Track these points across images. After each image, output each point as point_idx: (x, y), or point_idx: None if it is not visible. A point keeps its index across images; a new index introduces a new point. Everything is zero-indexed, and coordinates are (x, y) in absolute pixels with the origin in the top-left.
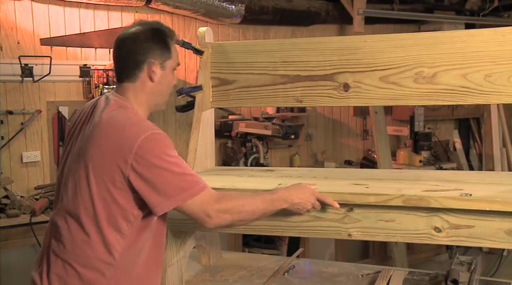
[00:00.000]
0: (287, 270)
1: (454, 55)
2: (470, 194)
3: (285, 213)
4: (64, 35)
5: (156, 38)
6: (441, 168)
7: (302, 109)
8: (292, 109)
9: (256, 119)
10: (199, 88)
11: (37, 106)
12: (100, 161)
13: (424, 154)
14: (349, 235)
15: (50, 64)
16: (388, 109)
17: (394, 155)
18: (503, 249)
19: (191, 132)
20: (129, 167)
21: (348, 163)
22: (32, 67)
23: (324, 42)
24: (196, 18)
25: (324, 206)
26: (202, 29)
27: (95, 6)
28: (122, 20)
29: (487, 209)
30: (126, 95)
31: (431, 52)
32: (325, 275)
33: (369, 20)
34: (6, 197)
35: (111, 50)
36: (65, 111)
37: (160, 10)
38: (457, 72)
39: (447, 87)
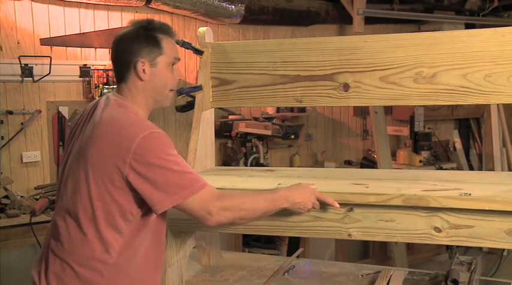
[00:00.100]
0: (287, 270)
1: (454, 55)
2: (470, 194)
3: (285, 213)
4: (64, 35)
5: (144, 36)
6: (441, 168)
7: (302, 109)
8: (292, 109)
9: (256, 119)
10: (199, 88)
11: (37, 106)
12: (99, 160)
13: (424, 154)
14: (349, 235)
15: (50, 64)
16: (388, 109)
17: (394, 155)
18: (503, 249)
19: (191, 132)
20: (128, 166)
21: (348, 163)
22: (32, 67)
23: (323, 42)
24: (196, 18)
25: (324, 206)
26: (202, 29)
27: (95, 6)
28: (121, 20)
29: (487, 208)
30: (124, 95)
31: (431, 52)
32: (325, 275)
33: (369, 20)
34: (6, 197)
35: None
36: (65, 111)
37: (160, 10)
38: (457, 72)
39: (447, 87)
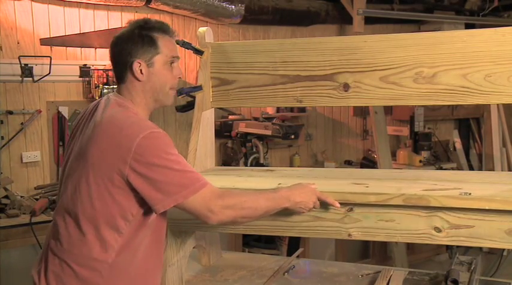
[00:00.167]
0: (287, 270)
1: (454, 55)
2: (470, 193)
3: (285, 213)
4: (64, 35)
5: (139, 37)
6: (441, 168)
7: (302, 109)
8: (292, 109)
9: (256, 119)
10: (199, 88)
11: (37, 106)
12: (100, 160)
13: (424, 154)
14: (349, 235)
15: (50, 64)
16: (388, 109)
17: (394, 155)
18: (503, 249)
19: (191, 132)
20: (128, 166)
21: (348, 163)
22: (32, 67)
23: (323, 42)
24: (196, 18)
25: (324, 205)
26: (202, 29)
27: (95, 6)
28: (121, 20)
29: (486, 207)
30: (124, 95)
31: (431, 52)
32: (325, 275)
33: (369, 20)
34: (6, 197)
35: None
36: (64, 111)
37: (160, 10)
38: (457, 72)
39: (447, 87)
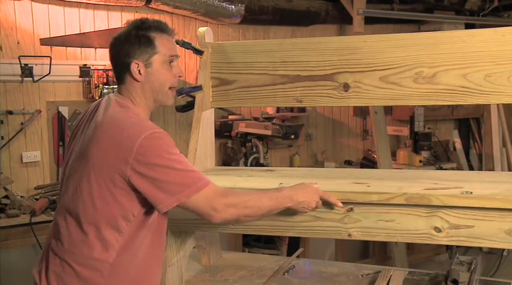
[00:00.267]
0: (287, 270)
1: (454, 55)
2: (471, 192)
3: (285, 212)
4: (64, 35)
5: (136, 37)
6: (441, 168)
7: (302, 109)
8: (292, 109)
9: (256, 119)
10: (199, 88)
11: (37, 106)
12: (101, 160)
13: (424, 154)
14: (349, 235)
15: (50, 64)
16: (388, 109)
17: (394, 155)
18: (503, 249)
19: (191, 132)
20: (130, 167)
21: (348, 163)
22: (32, 67)
23: (323, 42)
24: (196, 18)
25: (325, 205)
26: (202, 29)
27: (95, 6)
28: (121, 20)
29: (488, 206)
30: (124, 96)
31: (431, 52)
32: (325, 275)
33: (369, 20)
34: (6, 197)
35: None
36: (64, 111)
37: (160, 10)
38: (457, 72)
39: (447, 87)
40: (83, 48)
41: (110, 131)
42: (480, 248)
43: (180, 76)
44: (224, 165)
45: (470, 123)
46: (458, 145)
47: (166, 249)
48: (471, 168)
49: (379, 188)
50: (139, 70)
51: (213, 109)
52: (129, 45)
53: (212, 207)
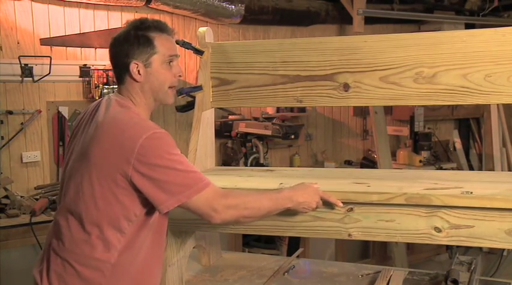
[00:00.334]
0: (287, 270)
1: (454, 55)
2: (471, 192)
3: (285, 213)
4: (64, 35)
5: (135, 37)
6: (441, 168)
7: (302, 109)
8: (292, 109)
9: (256, 119)
10: (199, 88)
11: (37, 106)
12: (102, 160)
13: (424, 154)
14: (349, 235)
15: (50, 64)
16: (388, 109)
17: (394, 155)
18: (503, 249)
19: (191, 132)
20: (132, 167)
21: (348, 163)
22: (32, 67)
23: (324, 42)
24: (196, 18)
25: (326, 205)
26: (202, 29)
27: (95, 6)
28: (121, 20)
29: (488, 206)
30: (124, 96)
31: (431, 52)
32: (325, 275)
33: (369, 20)
34: (6, 197)
35: None
36: (64, 111)
37: (160, 10)
38: (457, 72)
39: (447, 87)
40: (83, 48)
41: (111, 131)
42: (480, 248)
43: (180, 75)
44: (224, 165)
45: (470, 123)
46: (458, 145)
47: (166, 249)
48: (471, 168)
49: (379, 188)
50: (138, 71)
51: (213, 109)
52: (128, 45)
53: (212, 208)
